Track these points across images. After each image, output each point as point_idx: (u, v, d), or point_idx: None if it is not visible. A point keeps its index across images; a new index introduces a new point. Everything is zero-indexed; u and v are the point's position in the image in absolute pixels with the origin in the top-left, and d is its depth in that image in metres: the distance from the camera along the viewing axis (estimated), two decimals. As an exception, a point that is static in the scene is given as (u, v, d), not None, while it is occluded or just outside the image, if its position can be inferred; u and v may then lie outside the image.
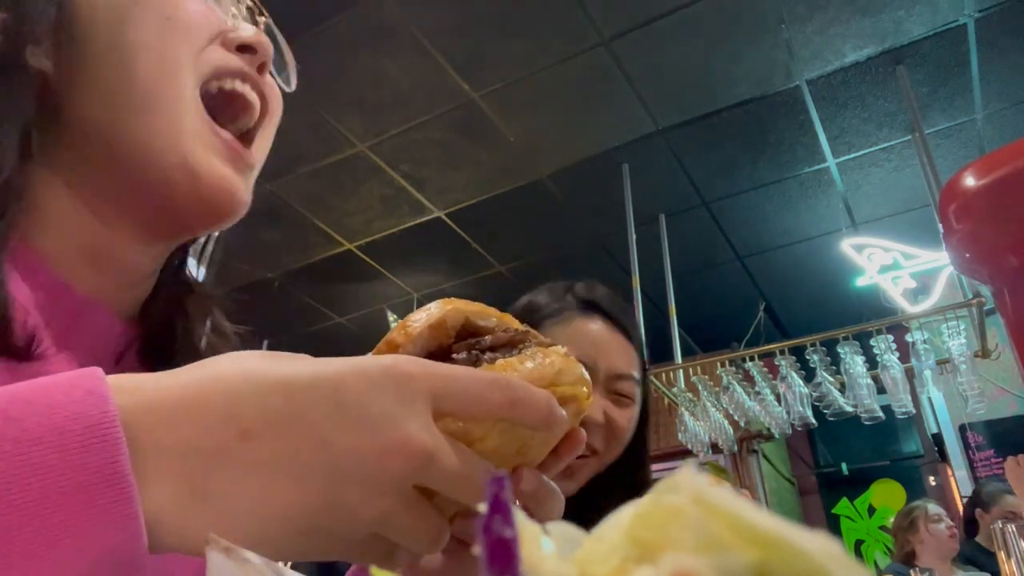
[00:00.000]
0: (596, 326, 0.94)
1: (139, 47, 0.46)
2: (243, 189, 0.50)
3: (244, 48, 0.51)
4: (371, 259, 4.07)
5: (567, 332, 0.94)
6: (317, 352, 0.33)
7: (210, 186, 0.47)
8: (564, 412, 0.36)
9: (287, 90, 0.59)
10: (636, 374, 0.95)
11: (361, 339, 4.60)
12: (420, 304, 4.88)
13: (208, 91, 0.49)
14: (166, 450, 0.27)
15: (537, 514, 0.39)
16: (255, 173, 0.54)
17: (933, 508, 3.14)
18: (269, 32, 0.58)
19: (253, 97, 0.51)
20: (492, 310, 0.41)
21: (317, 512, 0.29)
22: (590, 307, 0.96)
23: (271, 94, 0.54)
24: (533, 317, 0.98)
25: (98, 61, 0.46)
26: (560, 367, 0.38)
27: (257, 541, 0.28)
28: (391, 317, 4.40)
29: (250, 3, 0.56)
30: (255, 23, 0.55)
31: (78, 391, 0.26)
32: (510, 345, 0.39)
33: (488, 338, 0.39)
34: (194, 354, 0.55)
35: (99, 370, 0.28)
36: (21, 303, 0.41)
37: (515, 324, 0.41)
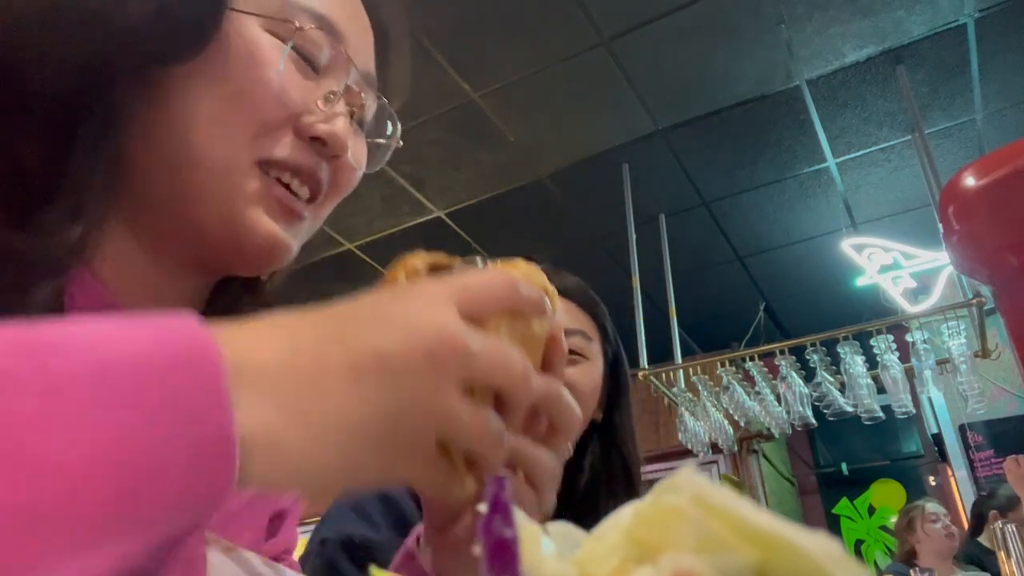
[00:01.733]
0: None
1: (201, 117, 0.45)
2: (288, 240, 0.50)
3: (316, 139, 0.49)
4: (371, 259, 4.07)
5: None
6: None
7: (252, 242, 0.48)
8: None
9: (367, 171, 0.57)
10: (583, 329, 0.98)
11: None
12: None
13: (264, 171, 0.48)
14: (251, 372, 0.29)
15: (556, 428, 0.42)
16: (313, 226, 0.53)
17: (931, 507, 3.14)
18: (382, 113, 0.57)
19: (303, 193, 0.50)
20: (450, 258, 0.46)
21: (389, 419, 0.31)
22: None
23: (340, 177, 0.53)
24: None
25: (162, 114, 0.45)
26: (525, 270, 0.42)
27: (346, 455, 0.30)
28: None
29: (356, 85, 0.52)
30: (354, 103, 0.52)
31: (173, 320, 0.28)
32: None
33: (457, 266, 0.44)
34: None
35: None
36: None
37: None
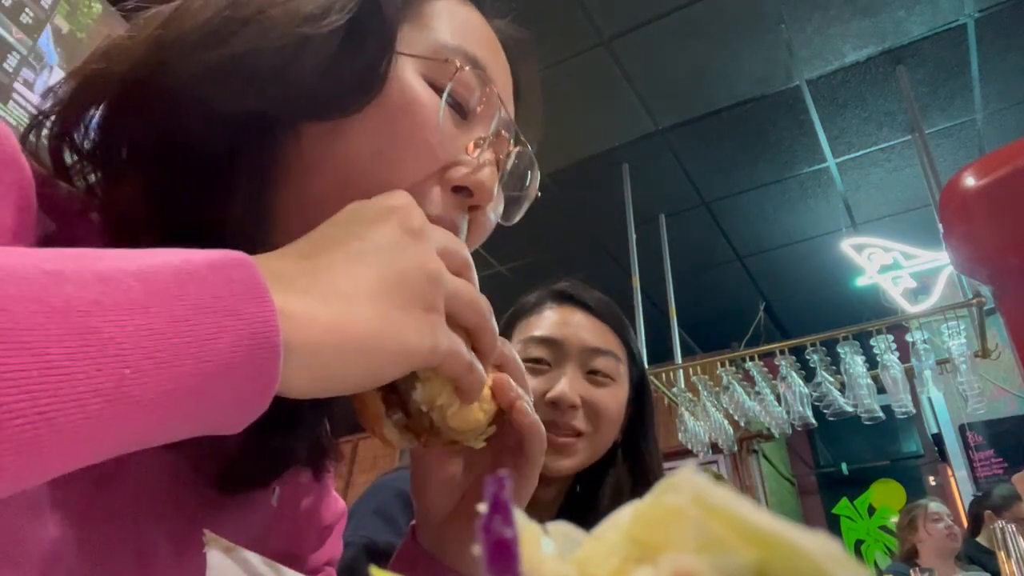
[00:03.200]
0: (565, 309, 0.99)
1: (348, 168, 0.43)
2: None
3: (460, 188, 0.46)
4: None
5: (540, 319, 0.99)
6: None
7: None
8: None
9: (504, 223, 0.54)
10: (614, 351, 0.97)
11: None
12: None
13: None
14: (273, 277, 0.32)
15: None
16: None
17: (934, 507, 3.14)
18: (526, 160, 0.54)
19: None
20: None
21: (393, 280, 0.36)
22: (561, 296, 1.01)
23: (477, 228, 0.49)
24: (517, 314, 1.03)
25: (310, 163, 0.43)
26: None
27: (369, 313, 0.34)
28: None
29: (505, 130, 0.50)
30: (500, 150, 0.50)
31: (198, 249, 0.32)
32: None
33: None
34: None
35: None
36: None
37: None
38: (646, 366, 1.07)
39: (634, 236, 3.47)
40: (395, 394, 0.42)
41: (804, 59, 2.94)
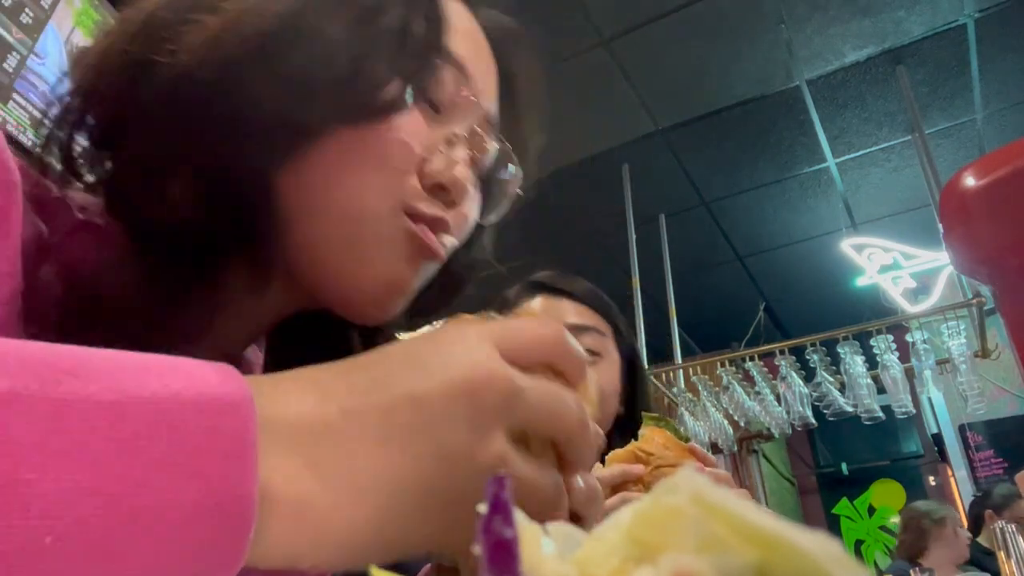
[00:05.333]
0: (537, 300, 1.04)
1: (339, 164, 0.42)
2: (411, 287, 0.46)
3: (435, 188, 0.45)
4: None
5: (523, 312, 1.03)
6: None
7: (375, 286, 0.45)
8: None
9: (483, 222, 0.53)
10: (596, 326, 1.00)
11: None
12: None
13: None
14: (279, 428, 0.26)
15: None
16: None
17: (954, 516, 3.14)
18: (505, 157, 0.54)
19: (437, 247, 0.46)
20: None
21: (429, 472, 0.28)
22: (534, 287, 1.06)
23: (455, 227, 0.48)
24: (500, 310, 1.07)
25: (307, 161, 0.42)
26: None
27: (383, 516, 0.27)
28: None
29: (481, 127, 0.50)
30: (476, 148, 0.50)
31: (208, 364, 0.26)
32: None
33: None
34: None
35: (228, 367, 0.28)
36: None
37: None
38: (636, 345, 1.11)
39: (634, 236, 3.47)
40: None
41: (804, 59, 2.94)
